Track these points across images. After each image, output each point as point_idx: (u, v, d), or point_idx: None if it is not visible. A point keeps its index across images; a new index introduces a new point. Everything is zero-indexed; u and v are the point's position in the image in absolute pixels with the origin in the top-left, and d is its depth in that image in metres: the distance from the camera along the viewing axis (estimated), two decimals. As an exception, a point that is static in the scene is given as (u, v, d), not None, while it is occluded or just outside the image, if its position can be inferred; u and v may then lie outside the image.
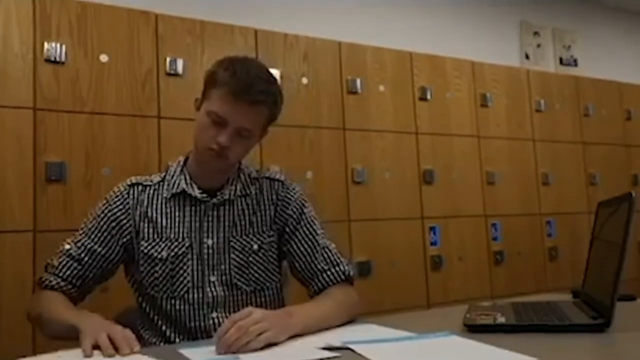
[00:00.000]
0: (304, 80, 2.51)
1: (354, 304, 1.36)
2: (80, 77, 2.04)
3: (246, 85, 1.24)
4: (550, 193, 3.20)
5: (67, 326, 1.14)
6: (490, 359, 0.88)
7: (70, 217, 1.96)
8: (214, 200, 1.34)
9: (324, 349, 0.98)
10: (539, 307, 1.27)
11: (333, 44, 2.63)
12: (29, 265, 1.88)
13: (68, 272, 1.29)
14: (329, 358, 0.93)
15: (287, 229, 1.38)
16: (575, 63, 4.13)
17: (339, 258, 1.37)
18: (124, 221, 1.32)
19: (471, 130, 2.97)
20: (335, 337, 1.07)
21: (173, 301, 1.31)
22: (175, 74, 2.21)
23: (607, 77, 3.66)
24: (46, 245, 1.91)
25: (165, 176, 1.38)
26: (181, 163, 1.40)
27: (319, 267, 1.35)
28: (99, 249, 1.30)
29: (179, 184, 1.35)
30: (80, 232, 1.33)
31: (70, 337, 1.12)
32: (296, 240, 1.37)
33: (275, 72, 2.39)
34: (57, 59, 1.99)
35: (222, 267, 1.33)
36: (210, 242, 1.33)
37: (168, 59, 2.20)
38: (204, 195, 1.34)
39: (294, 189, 1.41)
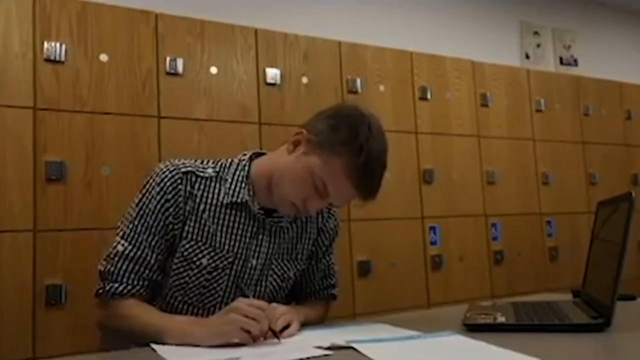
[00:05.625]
0: (304, 80, 2.51)
1: (323, 317, 1.44)
2: (80, 76, 2.04)
3: (369, 184, 1.18)
4: (550, 193, 3.20)
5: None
6: (494, 359, 0.88)
7: (70, 217, 1.96)
8: (269, 220, 1.29)
9: (328, 348, 0.98)
10: (539, 306, 1.27)
11: (333, 44, 2.63)
12: (29, 265, 1.88)
13: (132, 276, 1.20)
14: (331, 356, 0.93)
15: (315, 256, 1.42)
16: (575, 63, 4.13)
17: (334, 279, 1.45)
18: (176, 215, 1.23)
19: (471, 130, 2.97)
20: (340, 336, 1.07)
21: (196, 310, 1.27)
22: (175, 74, 2.21)
23: (607, 76, 3.65)
24: (46, 245, 1.91)
25: (219, 172, 1.28)
26: (245, 168, 1.29)
27: (317, 284, 1.44)
28: (157, 242, 1.22)
29: (240, 193, 1.25)
30: (131, 226, 1.22)
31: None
32: (316, 266, 1.43)
33: (275, 72, 2.42)
34: (57, 58, 1.99)
35: (258, 289, 1.31)
36: (254, 262, 1.28)
37: (168, 59, 2.20)
38: (261, 212, 1.28)
39: (336, 219, 1.43)
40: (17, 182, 1.89)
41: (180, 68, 2.21)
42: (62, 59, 2.00)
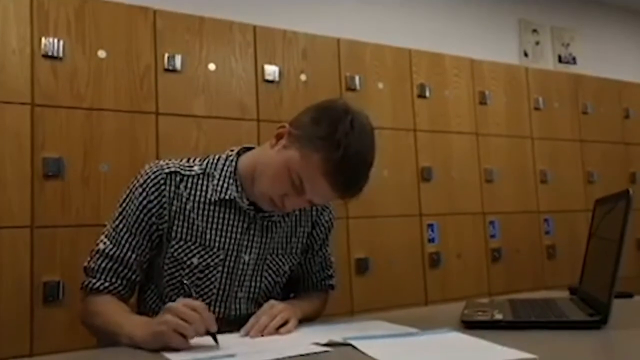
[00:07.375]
0: (303, 77, 2.50)
1: (322, 309, 1.45)
2: (78, 73, 2.04)
3: (349, 183, 1.14)
4: (548, 191, 3.20)
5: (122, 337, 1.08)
6: (491, 356, 0.88)
7: (68, 213, 1.95)
8: (260, 215, 1.26)
9: (326, 344, 0.98)
10: (536, 304, 1.27)
11: (332, 41, 2.62)
12: (27, 261, 1.87)
13: (111, 274, 1.21)
14: (328, 353, 0.93)
15: (311, 249, 1.41)
16: (574, 61, 4.13)
17: (331, 270, 1.46)
18: (160, 215, 1.22)
19: (470, 128, 2.97)
20: (338, 332, 1.07)
21: None
22: (174, 70, 2.20)
23: (605, 75, 3.65)
24: (44, 242, 1.91)
25: (206, 169, 1.26)
26: (233, 163, 1.27)
27: (315, 277, 1.44)
28: (137, 242, 1.22)
29: (227, 189, 1.24)
30: (114, 225, 1.24)
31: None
32: (313, 259, 1.42)
33: (273, 69, 2.41)
34: (55, 54, 1.99)
35: (253, 284, 1.30)
36: (247, 257, 1.27)
37: (166, 55, 2.19)
38: (251, 207, 1.25)
39: (330, 212, 1.41)
40: (14, 179, 1.89)
41: (178, 65, 2.21)
42: (60, 55, 2.00)
